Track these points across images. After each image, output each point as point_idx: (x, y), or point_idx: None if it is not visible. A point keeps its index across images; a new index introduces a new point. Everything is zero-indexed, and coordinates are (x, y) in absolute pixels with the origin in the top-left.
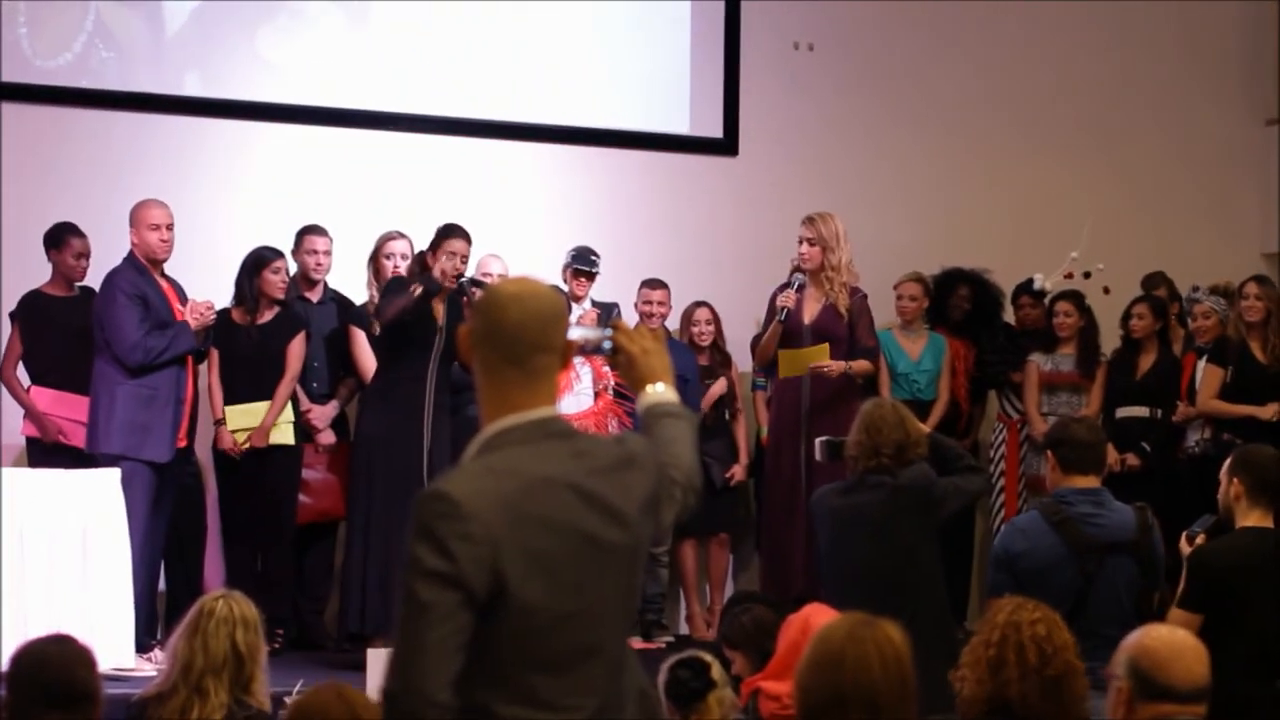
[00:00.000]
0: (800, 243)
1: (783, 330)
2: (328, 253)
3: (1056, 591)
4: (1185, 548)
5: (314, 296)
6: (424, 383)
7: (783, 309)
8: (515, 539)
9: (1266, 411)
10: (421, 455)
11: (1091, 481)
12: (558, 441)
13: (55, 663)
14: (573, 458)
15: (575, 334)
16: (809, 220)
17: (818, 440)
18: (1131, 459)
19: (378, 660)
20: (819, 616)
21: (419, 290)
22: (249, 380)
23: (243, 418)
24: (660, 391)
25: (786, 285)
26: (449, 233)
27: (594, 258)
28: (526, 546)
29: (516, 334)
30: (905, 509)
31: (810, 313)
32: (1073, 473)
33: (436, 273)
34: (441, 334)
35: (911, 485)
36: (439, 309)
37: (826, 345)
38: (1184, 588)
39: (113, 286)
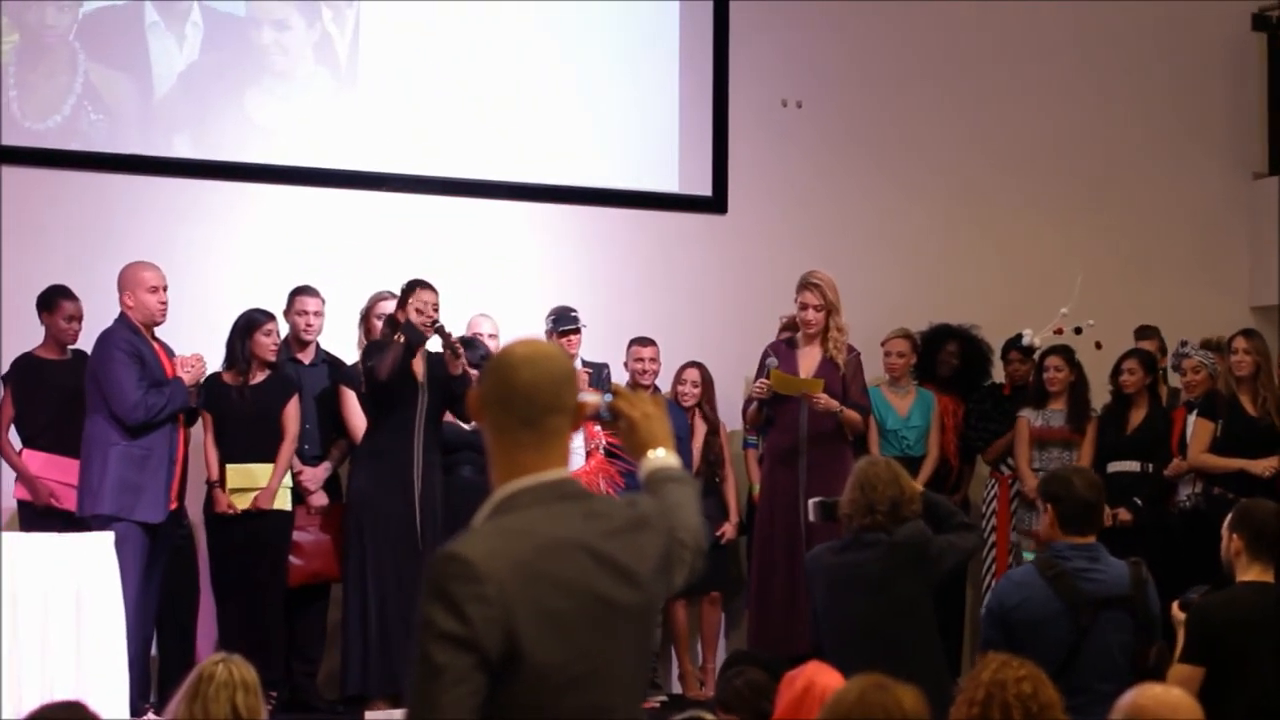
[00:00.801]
0: (805, 308)
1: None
2: (319, 314)
3: (1049, 645)
4: (1178, 614)
5: (306, 358)
6: (411, 441)
7: (753, 400)
8: (529, 601)
9: (1258, 466)
10: (414, 514)
11: (1088, 539)
12: (571, 503)
13: None
14: (586, 519)
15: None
16: (814, 286)
17: (811, 501)
18: (1123, 514)
19: None
20: (822, 675)
21: (403, 340)
22: (243, 442)
23: (242, 478)
24: (662, 457)
25: (761, 370)
26: (414, 287)
27: (574, 314)
28: (541, 608)
29: (529, 395)
30: (902, 566)
31: (807, 369)
32: (1071, 532)
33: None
34: (424, 390)
35: (908, 542)
36: (418, 367)
37: (822, 380)
38: (1185, 642)
39: (110, 345)
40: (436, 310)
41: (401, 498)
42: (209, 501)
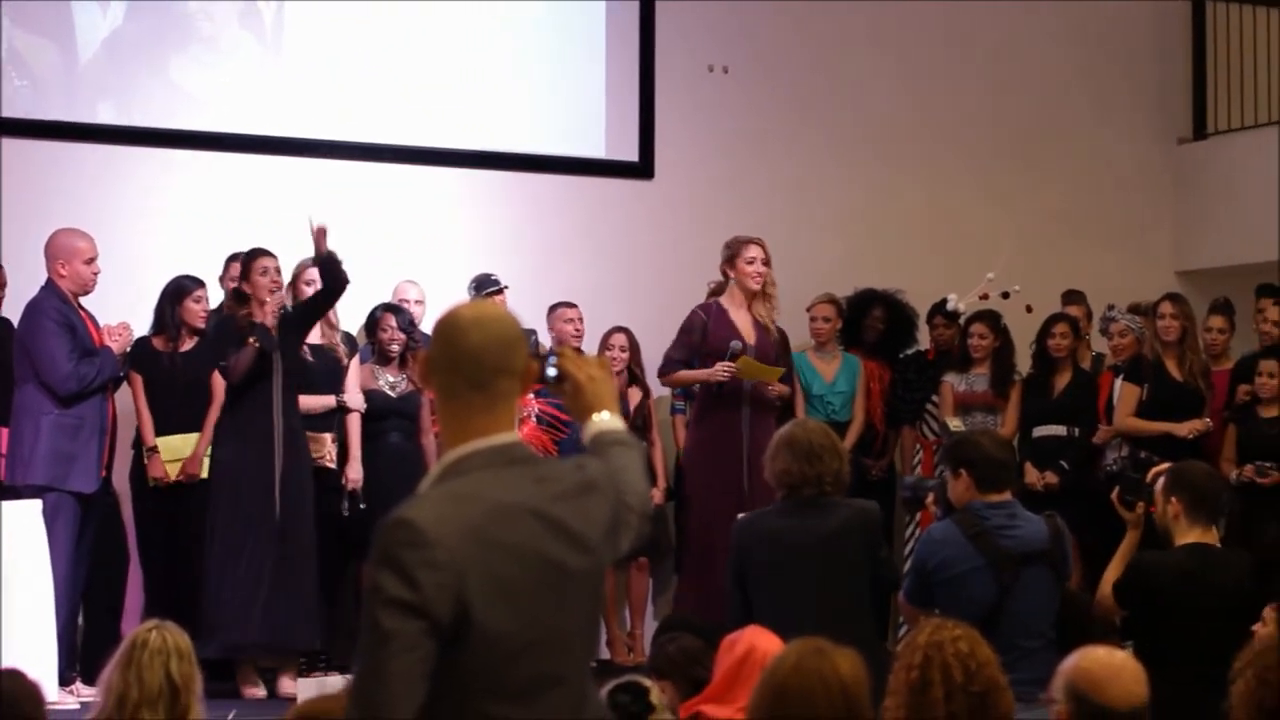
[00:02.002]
0: (753, 262)
1: (724, 350)
2: (278, 271)
3: (972, 603)
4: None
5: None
6: (270, 410)
7: (719, 385)
8: (479, 566)
9: (1183, 428)
10: (273, 483)
11: (1004, 496)
12: (520, 467)
13: (5, 697)
14: (535, 483)
15: None
16: (760, 242)
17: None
18: (1050, 477)
19: (309, 691)
20: (762, 640)
21: (257, 344)
22: (174, 408)
23: (175, 448)
24: (607, 419)
25: (730, 356)
26: (253, 255)
27: (494, 277)
28: (491, 574)
29: (478, 358)
30: (856, 534)
31: (746, 331)
32: (988, 491)
33: (259, 315)
34: (276, 358)
35: (864, 515)
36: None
37: (783, 370)
38: (1119, 592)
39: (40, 315)
40: (279, 273)
41: (262, 467)
42: (137, 468)
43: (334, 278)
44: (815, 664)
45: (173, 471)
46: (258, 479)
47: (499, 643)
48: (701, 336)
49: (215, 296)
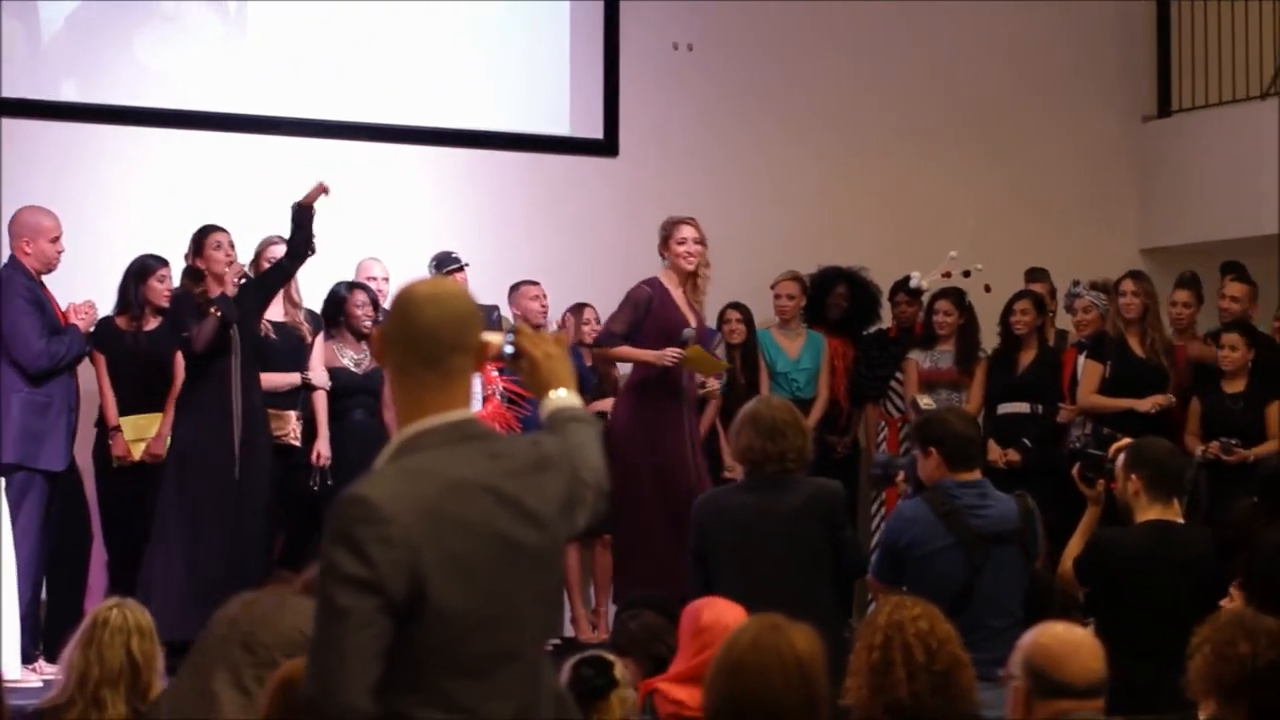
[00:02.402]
0: (684, 243)
1: (667, 330)
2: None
3: (942, 581)
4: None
5: None
6: (229, 387)
7: (615, 335)
8: (434, 543)
9: (1145, 404)
10: (232, 460)
11: (974, 474)
12: (474, 444)
13: None
14: (489, 460)
15: None
16: (693, 221)
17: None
18: (1012, 455)
19: None
20: (723, 614)
21: (219, 314)
22: (137, 388)
23: (138, 428)
24: (564, 396)
25: (681, 342)
26: (204, 232)
27: (455, 255)
28: (445, 550)
29: (433, 335)
30: (817, 512)
31: (689, 315)
32: (958, 469)
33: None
34: (235, 334)
35: (827, 494)
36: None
37: (728, 365)
38: (1079, 569)
39: (10, 293)
40: (233, 248)
41: (219, 446)
42: (100, 446)
43: (303, 239)
44: (771, 640)
45: (136, 451)
46: (216, 456)
47: (454, 619)
48: (646, 312)
49: (180, 275)
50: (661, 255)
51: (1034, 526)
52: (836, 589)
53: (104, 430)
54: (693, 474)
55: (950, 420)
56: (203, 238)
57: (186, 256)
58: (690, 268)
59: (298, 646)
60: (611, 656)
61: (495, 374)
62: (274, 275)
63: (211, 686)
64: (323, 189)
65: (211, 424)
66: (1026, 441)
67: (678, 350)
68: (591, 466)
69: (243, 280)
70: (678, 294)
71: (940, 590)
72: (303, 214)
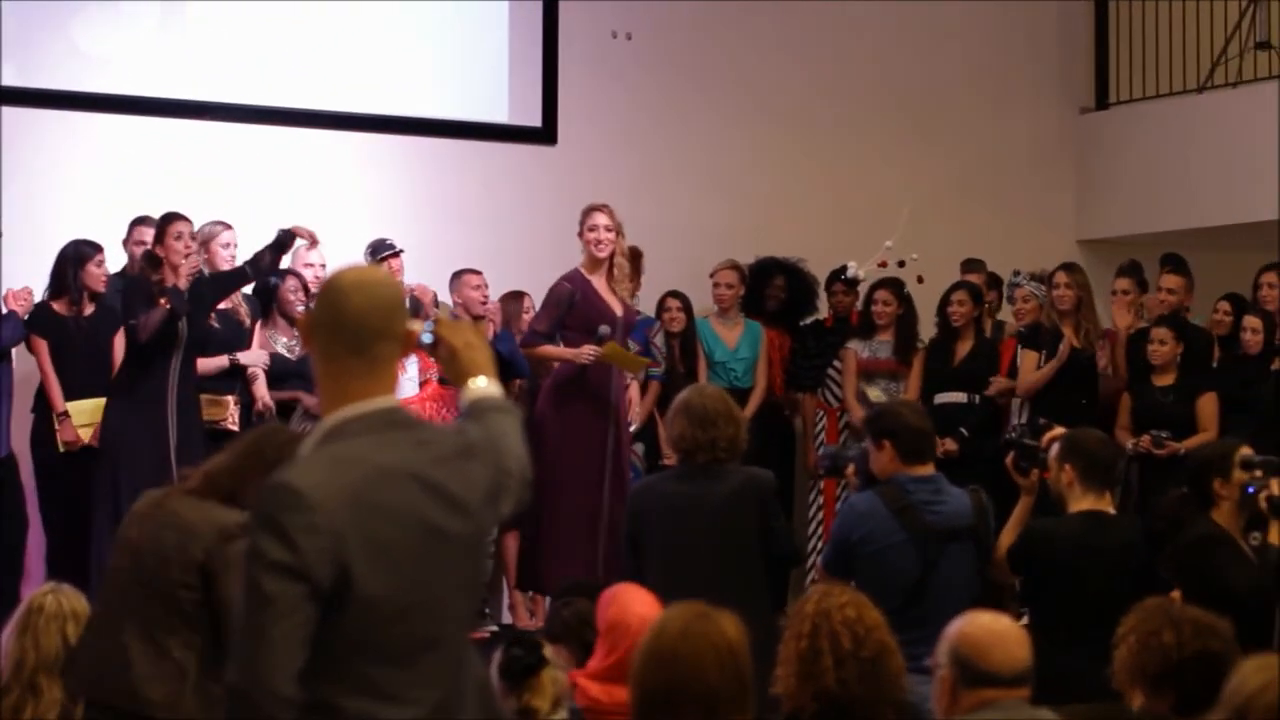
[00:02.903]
0: (595, 229)
1: (591, 322)
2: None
3: (895, 577)
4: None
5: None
6: (166, 379)
7: (541, 335)
8: (359, 530)
9: (1058, 360)
10: (168, 451)
11: (928, 468)
12: (400, 431)
13: None
14: (415, 447)
15: None
16: (605, 208)
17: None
18: (950, 445)
19: None
20: (633, 604)
21: (168, 305)
22: (79, 373)
23: (86, 412)
24: (483, 385)
25: (597, 340)
26: (168, 220)
27: (389, 241)
28: (371, 538)
29: (360, 322)
30: (748, 501)
31: (613, 301)
32: (911, 462)
33: (171, 279)
34: (182, 327)
35: (757, 483)
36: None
37: (647, 362)
38: (1011, 558)
39: None
40: (194, 238)
41: (154, 436)
42: (37, 432)
43: (275, 262)
44: (702, 628)
45: (85, 435)
46: (150, 448)
47: (378, 606)
48: (569, 308)
49: (115, 260)
50: (581, 242)
51: (988, 522)
52: (770, 578)
53: (43, 416)
54: (609, 470)
55: (903, 413)
56: (165, 225)
57: (134, 243)
58: (602, 255)
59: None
60: (541, 638)
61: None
62: (232, 279)
63: (121, 640)
64: (314, 239)
65: (145, 414)
66: (963, 431)
67: (594, 348)
68: (514, 455)
69: (196, 275)
70: (599, 282)
71: (893, 586)
72: (287, 242)
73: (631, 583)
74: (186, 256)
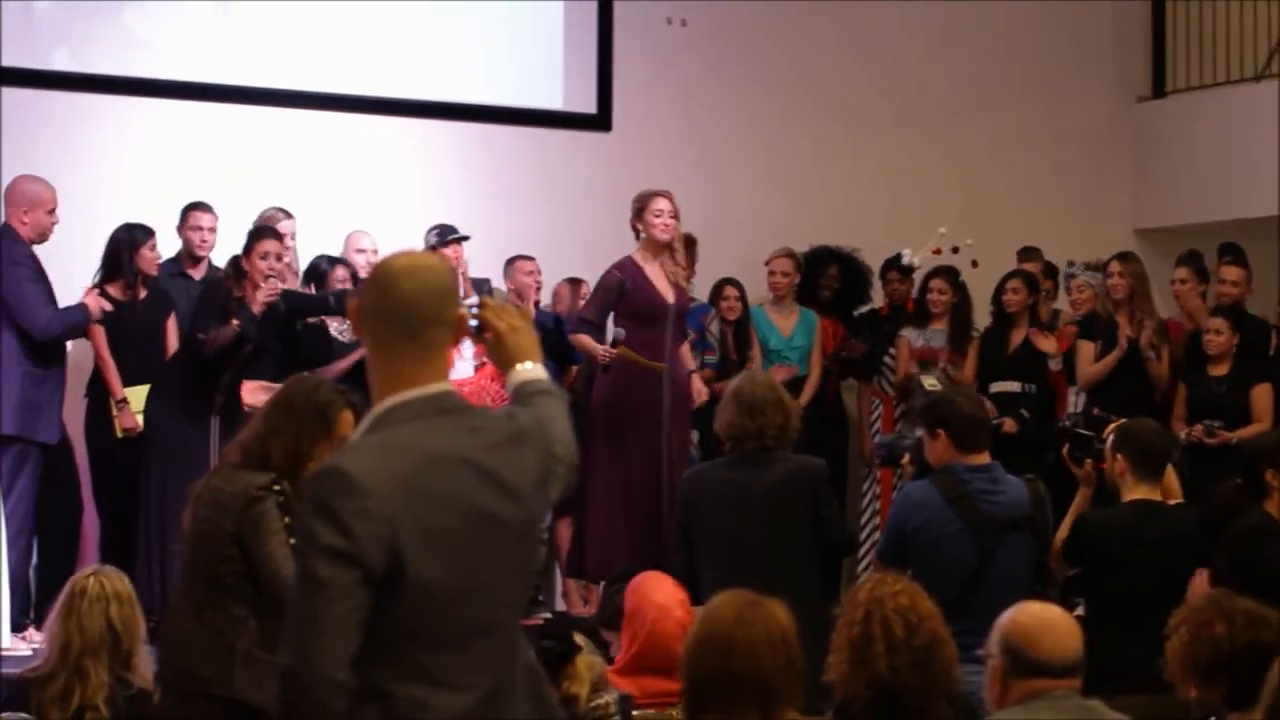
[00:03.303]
0: (660, 215)
1: (641, 310)
2: (213, 229)
3: (951, 567)
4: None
5: (197, 274)
6: (216, 386)
7: (604, 366)
8: (412, 516)
9: (1119, 350)
10: (208, 445)
11: (984, 457)
12: (452, 417)
13: None
14: (467, 433)
15: None
16: (667, 194)
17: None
18: (1009, 424)
19: None
20: (647, 593)
21: (237, 326)
22: (133, 359)
23: (143, 399)
24: (530, 369)
25: (612, 343)
26: (259, 235)
27: (453, 227)
28: (423, 523)
29: (411, 308)
30: (795, 491)
31: (665, 288)
32: (968, 450)
33: (254, 297)
34: (253, 338)
35: (805, 471)
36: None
37: (665, 366)
38: (1065, 549)
39: (11, 263)
40: (280, 259)
41: (196, 429)
42: (92, 418)
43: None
44: (756, 615)
45: (143, 421)
46: (191, 447)
47: (431, 592)
48: (619, 296)
49: (168, 245)
50: (635, 229)
51: (1045, 512)
52: (823, 566)
53: (96, 403)
54: (665, 457)
55: (958, 402)
56: (255, 240)
57: (188, 229)
58: (666, 239)
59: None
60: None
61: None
62: (318, 304)
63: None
64: None
65: (189, 410)
66: (1024, 413)
67: (609, 350)
68: (562, 440)
69: (274, 303)
70: (653, 269)
71: (949, 576)
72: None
73: (665, 571)
74: (268, 277)
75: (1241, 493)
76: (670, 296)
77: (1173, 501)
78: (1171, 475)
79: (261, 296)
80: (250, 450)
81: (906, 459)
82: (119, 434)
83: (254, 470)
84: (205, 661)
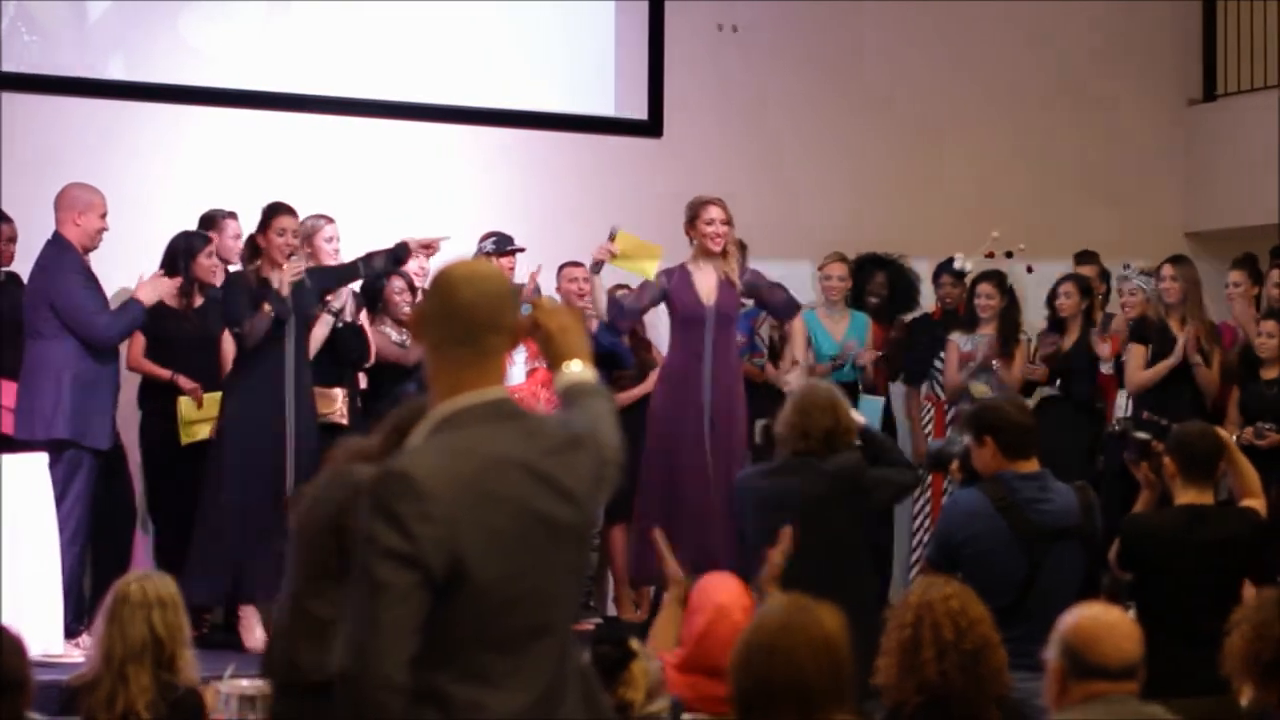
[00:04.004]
0: (712, 223)
1: (681, 313)
2: (296, 233)
3: (1001, 578)
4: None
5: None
6: (283, 368)
7: (597, 262)
8: (473, 519)
9: (1174, 358)
10: (284, 447)
11: (1032, 465)
12: (510, 422)
13: None
14: (525, 438)
15: None
16: (719, 201)
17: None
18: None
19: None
20: (719, 587)
21: (271, 312)
22: (193, 365)
23: (190, 408)
24: (578, 370)
25: (610, 236)
26: (275, 211)
27: (510, 237)
28: (484, 527)
29: (470, 314)
30: (835, 494)
31: (708, 292)
32: (1015, 458)
33: (275, 281)
34: (291, 322)
35: (841, 471)
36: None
37: (661, 247)
38: (1118, 551)
39: (64, 269)
40: (296, 237)
41: (272, 425)
42: (147, 426)
43: (387, 270)
44: (800, 621)
45: (203, 431)
46: (267, 437)
47: (490, 595)
48: (659, 298)
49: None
50: (688, 235)
51: (1095, 520)
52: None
53: (150, 410)
54: (707, 458)
55: (1006, 409)
56: (270, 218)
57: (245, 245)
58: (717, 249)
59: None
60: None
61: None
62: (342, 275)
63: (284, 621)
64: (430, 250)
65: (261, 406)
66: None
67: (607, 244)
68: (611, 443)
69: (299, 280)
70: (702, 274)
71: (999, 585)
72: (404, 256)
73: (729, 572)
74: (289, 256)
75: None
76: (711, 300)
77: (1249, 501)
78: (1249, 470)
79: (287, 276)
80: (357, 454)
81: (955, 465)
82: (188, 420)
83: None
84: (301, 650)
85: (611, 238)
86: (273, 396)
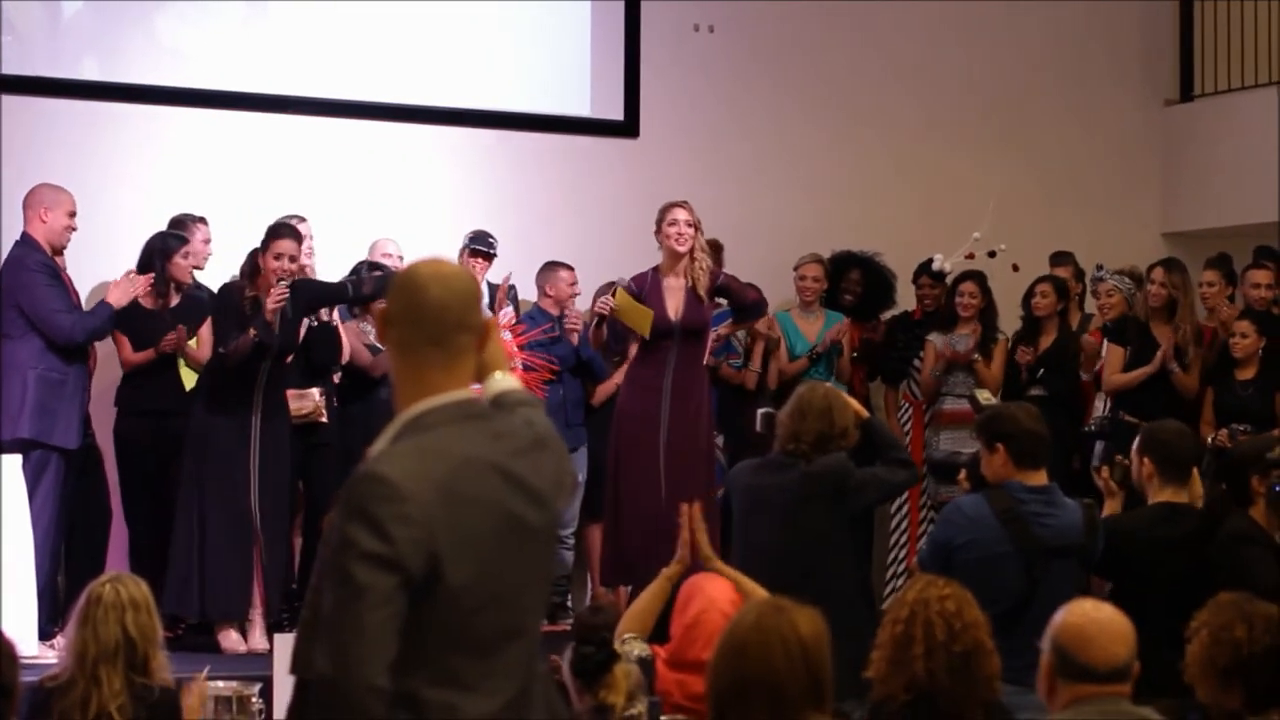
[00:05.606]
0: (675, 224)
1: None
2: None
3: (997, 590)
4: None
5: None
6: (254, 383)
7: (597, 316)
8: (449, 521)
9: (1152, 366)
10: (249, 453)
11: (1041, 477)
12: (478, 423)
13: None
14: (493, 439)
15: None
16: (684, 204)
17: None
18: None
19: (286, 646)
20: (716, 596)
21: (255, 335)
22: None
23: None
24: (504, 379)
25: (609, 289)
26: (276, 233)
27: (491, 240)
28: (459, 528)
29: (438, 314)
30: (815, 496)
31: (675, 307)
32: (1025, 467)
33: (261, 293)
34: (274, 344)
35: (824, 473)
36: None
37: (651, 313)
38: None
39: (27, 269)
40: (294, 261)
41: (239, 440)
42: (122, 426)
43: (374, 296)
44: (774, 622)
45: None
46: (230, 442)
47: (463, 597)
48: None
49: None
50: (657, 240)
51: (1096, 541)
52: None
53: (126, 409)
54: (660, 464)
55: (1019, 417)
56: (270, 239)
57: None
58: (682, 249)
59: None
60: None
61: (515, 348)
62: (328, 295)
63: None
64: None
65: (230, 412)
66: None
67: (607, 299)
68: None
69: (283, 304)
70: (670, 283)
71: (992, 596)
72: (376, 290)
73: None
74: (281, 279)
75: (1227, 498)
76: (675, 312)
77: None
78: (1195, 478)
79: (270, 303)
80: None
81: (963, 474)
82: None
83: None
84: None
85: (613, 294)
86: (241, 407)
